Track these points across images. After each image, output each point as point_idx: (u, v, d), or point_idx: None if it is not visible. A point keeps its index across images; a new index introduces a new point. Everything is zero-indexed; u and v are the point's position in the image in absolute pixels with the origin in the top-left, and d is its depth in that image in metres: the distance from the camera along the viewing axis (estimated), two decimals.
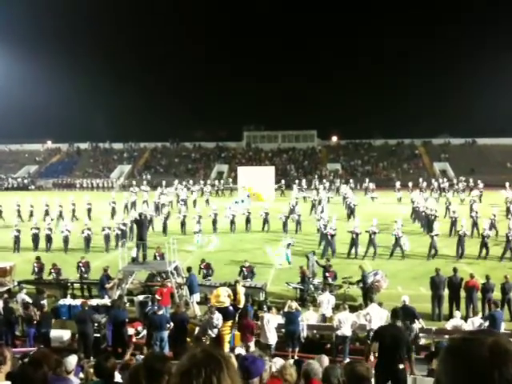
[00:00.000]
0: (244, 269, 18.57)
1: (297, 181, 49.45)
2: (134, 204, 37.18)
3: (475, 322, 13.45)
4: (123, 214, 33.68)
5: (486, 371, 1.32)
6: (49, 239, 25.97)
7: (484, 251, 22.89)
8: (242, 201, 38.81)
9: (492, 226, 25.78)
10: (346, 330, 12.93)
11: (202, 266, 18.96)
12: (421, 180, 46.65)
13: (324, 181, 52.35)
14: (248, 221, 30.52)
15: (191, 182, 53.70)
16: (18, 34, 77.35)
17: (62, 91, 78.26)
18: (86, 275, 19.27)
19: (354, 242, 23.64)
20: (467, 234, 23.64)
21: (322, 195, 38.72)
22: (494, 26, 77.85)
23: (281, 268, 21.83)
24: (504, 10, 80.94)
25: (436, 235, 23.34)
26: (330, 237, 23.65)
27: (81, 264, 19.36)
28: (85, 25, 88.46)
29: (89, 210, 34.85)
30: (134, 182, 53.35)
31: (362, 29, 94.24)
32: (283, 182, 51.21)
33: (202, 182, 52.17)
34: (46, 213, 34.14)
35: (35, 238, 26.06)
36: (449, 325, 13.83)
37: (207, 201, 39.52)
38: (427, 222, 28.48)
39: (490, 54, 77.97)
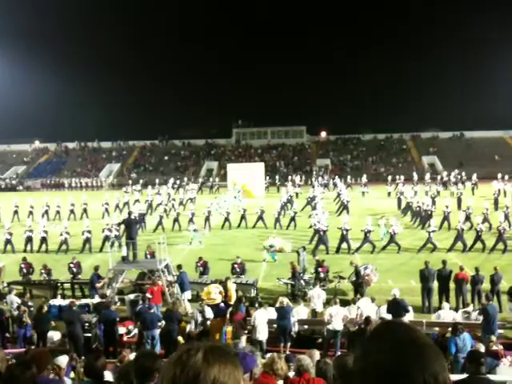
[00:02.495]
0: (236, 265, 18.56)
1: (290, 177, 49.62)
2: (126, 204, 36.88)
3: (471, 316, 13.58)
4: (115, 213, 33.48)
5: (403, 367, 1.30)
6: (43, 240, 25.72)
7: (480, 245, 22.99)
8: (235, 197, 38.81)
9: (485, 220, 25.97)
10: (337, 324, 12.99)
11: (199, 264, 18.89)
12: (414, 174, 47.04)
13: (315, 177, 52.63)
14: (243, 218, 30.50)
15: (185, 179, 53.69)
16: (5, 34, 76.57)
17: (50, 90, 77.61)
18: (78, 275, 19.11)
19: (344, 238, 23.70)
20: (464, 228, 23.80)
21: (316, 192, 38.78)
22: (481, 21, 78.27)
23: (266, 263, 21.97)
24: (489, 3, 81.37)
25: (433, 231, 23.48)
26: (322, 233, 23.71)
27: (72, 264, 19.21)
28: (72, 24, 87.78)
29: (85, 210, 34.55)
30: (130, 182, 53.00)
31: (350, 25, 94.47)
32: (277, 178, 51.39)
33: (186, 180, 52.32)
34: (30, 213, 33.74)
35: (28, 240, 25.81)
36: (437, 316, 13.95)
37: (193, 199, 39.16)
38: (424, 218, 28.60)
39: (478, 48, 78.42)
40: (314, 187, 42.55)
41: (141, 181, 54.16)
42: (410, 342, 1.34)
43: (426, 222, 26.93)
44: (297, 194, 41.89)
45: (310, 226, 26.15)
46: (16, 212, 34.85)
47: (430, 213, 28.19)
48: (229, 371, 1.45)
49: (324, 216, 26.27)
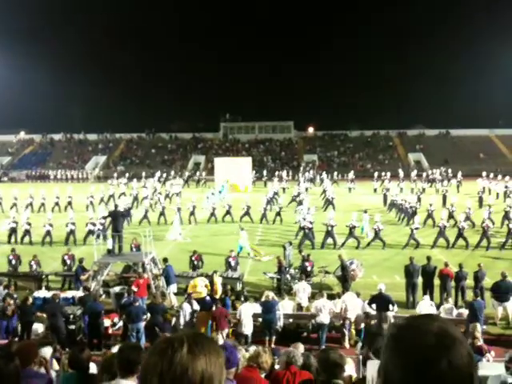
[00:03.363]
0: (230, 259, 18.47)
1: (277, 172, 49.71)
2: (111, 197, 36.74)
3: (453, 312, 13.74)
4: (100, 207, 33.23)
5: (434, 359, 1.29)
6: (26, 232, 25.45)
7: (463, 242, 23.19)
8: (220, 191, 38.76)
9: (467, 218, 26.26)
10: (324, 318, 13.06)
11: (194, 258, 18.82)
12: (400, 171, 47.33)
13: (301, 172, 52.78)
14: (228, 213, 30.46)
15: (172, 173, 53.53)
16: None
17: (36, 81, 76.81)
18: (72, 268, 18.85)
19: (329, 234, 23.76)
20: (447, 225, 23.97)
21: (301, 187, 38.86)
22: (470, 19, 78.85)
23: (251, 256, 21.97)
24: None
25: (416, 228, 23.62)
26: (307, 230, 23.76)
27: (66, 257, 18.98)
28: (60, 15, 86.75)
29: (69, 203, 34.24)
30: (115, 175, 52.69)
31: (338, 19, 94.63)
32: (265, 173, 51.43)
33: (173, 173, 52.30)
34: (14, 205, 33.56)
35: (11, 231, 25.58)
36: (419, 309, 14.13)
37: (179, 193, 39.16)
38: (408, 215, 28.74)
39: (466, 45, 78.98)
40: (299, 183, 42.71)
41: (127, 174, 53.89)
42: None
43: (411, 218, 27.14)
44: (284, 189, 41.98)
45: (296, 222, 26.20)
46: None
47: (414, 210, 28.38)
48: (214, 360, 1.45)
49: (310, 212, 26.29)
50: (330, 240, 23.76)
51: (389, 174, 44.98)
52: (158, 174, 50.18)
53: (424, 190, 37.22)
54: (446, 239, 23.31)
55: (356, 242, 23.63)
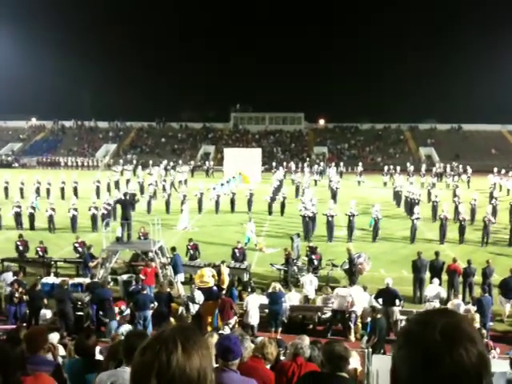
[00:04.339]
0: (236, 250, 18.51)
1: (284, 163, 49.70)
2: (117, 183, 37.22)
3: (461, 308, 13.66)
4: (106, 193, 33.48)
5: (438, 356, 1.26)
6: (32, 218, 25.68)
7: (471, 237, 23.40)
8: (228, 181, 38.74)
9: (472, 211, 26.13)
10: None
11: (190, 247, 18.86)
12: (408, 164, 47.10)
13: (307, 164, 52.67)
14: (232, 202, 30.47)
15: (180, 162, 53.68)
16: (5, 9, 75.65)
17: (48, 67, 77.02)
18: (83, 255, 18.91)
19: (329, 225, 23.82)
20: (448, 217, 23.88)
21: (305, 178, 38.84)
22: (482, 12, 77.90)
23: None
24: None
25: (417, 219, 23.58)
26: (307, 219, 23.78)
27: (77, 244, 19.04)
28: (73, 2, 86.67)
29: (75, 189, 34.52)
30: (121, 161, 53.13)
31: (350, 13, 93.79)
32: (274, 164, 51.40)
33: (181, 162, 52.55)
34: (21, 191, 34.18)
35: (17, 217, 25.79)
36: (427, 292, 14.14)
37: (185, 181, 39.45)
38: (409, 206, 28.76)
39: (479, 40, 78.08)
40: (304, 174, 42.82)
41: (134, 161, 54.49)
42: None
43: (412, 209, 27.12)
44: (292, 180, 41.96)
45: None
46: (6, 189, 34.92)
47: (416, 201, 28.31)
48: (205, 353, 1.48)
49: (313, 202, 26.27)
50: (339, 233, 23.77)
51: (398, 167, 44.81)
52: (164, 162, 50.49)
53: (434, 184, 36.96)
54: (443, 231, 23.31)
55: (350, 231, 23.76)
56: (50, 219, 25.19)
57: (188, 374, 1.42)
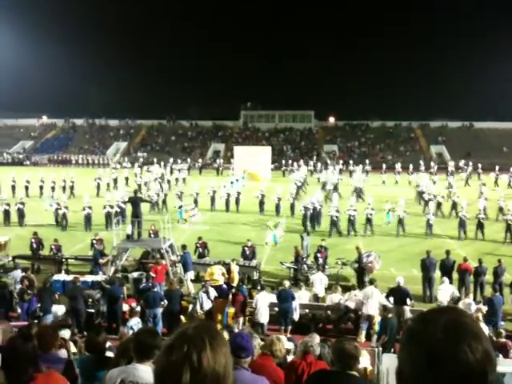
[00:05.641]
0: (246, 248, 18.49)
1: (297, 162, 49.49)
2: (115, 181, 38.36)
3: (472, 307, 13.55)
4: (106, 191, 34.28)
5: (440, 353, 1.25)
6: (60, 215, 25.82)
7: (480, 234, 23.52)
8: (237, 180, 38.82)
9: (501, 208, 26.59)
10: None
11: (199, 245, 18.88)
12: (421, 163, 47.03)
13: (313, 162, 52.66)
14: (237, 201, 30.43)
15: (179, 160, 53.89)
16: (15, 7, 76.20)
17: (59, 66, 77.44)
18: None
19: (350, 222, 24.17)
20: (467, 216, 23.90)
21: (330, 177, 38.44)
22: (494, 12, 77.22)
23: (268, 245, 21.95)
24: None
25: (432, 216, 23.98)
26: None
27: (94, 241, 18.98)
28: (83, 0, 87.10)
29: (98, 186, 35.57)
30: (127, 159, 53.87)
31: (362, 12, 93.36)
32: (284, 162, 51.38)
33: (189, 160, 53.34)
34: (41, 188, 34.89)
35: (21, 213, 26.17)
36: (440, 294, 14.02)
37: (183, 179, 39.77)
38: (424, 204, 28.97)
39: (491, 38, 77.42)
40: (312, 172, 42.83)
41: (141, 159, 55.55)
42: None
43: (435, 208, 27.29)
44: (318, 179, 42.07)
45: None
46: (13, 187, 35.35)
47: (431, 199, 28.35)
48: (227, 350, 1.54)
49: (311, 199, 26.46)
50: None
51: (411, 165, 44.77)
52: (171, 160, 51.25)
53: (450, 184, 36.62)
54: (463, 229, 23.67)
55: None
56: (63, 217, 25.35)
57: (217, 370, 1.47)
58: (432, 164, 47.28)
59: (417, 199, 33.02)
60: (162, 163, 47.84)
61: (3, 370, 3.61)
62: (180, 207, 27.12)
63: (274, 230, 22.78)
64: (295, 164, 48.81)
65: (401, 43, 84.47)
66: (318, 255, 17.85)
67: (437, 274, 16.22)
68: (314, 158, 57.26)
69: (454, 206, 27.71)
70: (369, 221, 24.44)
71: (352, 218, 24.09)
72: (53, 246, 18.86)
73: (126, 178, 39.89)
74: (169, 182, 38.07)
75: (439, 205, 28.25)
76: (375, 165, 49.33)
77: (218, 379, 1.47)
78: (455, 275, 16.06)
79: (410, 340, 1.34)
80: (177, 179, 39.54)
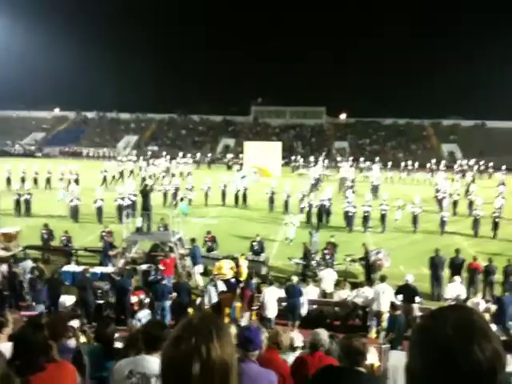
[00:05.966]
0: (254, 243, 18.53)
1: (321, 158, 49.37)
2: (121, 174, 38.82)
3: (481, 306, 13.46)
4: (113, 183, 34.83)
5: (450, 350, 1.25)
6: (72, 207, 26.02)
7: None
8: (244, 176, 38.70)
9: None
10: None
11: (207, 239, 18.95)
12: (433, 161, 46.94)
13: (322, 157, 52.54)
14: (244, 197, 30.44)
15: (180, 154, 54.06)
16: (30, 1, 76.60)
17: (72, 58, 77.80)
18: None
19: (365, 219, 24.61)
20: (481, 214, 23.94)
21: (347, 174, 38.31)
22: (509, 12, 76.35)
23: (288, 243, 21.87)
24: None
25: (446, 213, 24.31)
26: (351, 214, 24.50)
27: (104, 233, 19.12)
28: None
29: (104, 178, 36.03)
30: (135, 152, 54.40)
31: (375, 7, 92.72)
32: (293, 158, 51.37)
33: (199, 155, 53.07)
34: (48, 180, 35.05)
35: (27, 204, 26.76)
36: (448, 291, 13.93)
37: (188, 173, 39.57)
38: (438, 202, 29.04)
39: (505, 36, 76.56)
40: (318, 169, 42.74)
41: (149, 153, 55.83)
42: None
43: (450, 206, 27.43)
44: (327, 176, 42.09)
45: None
46: (23, 178, 35.52)
47: (446, 197, 28.28)
48: (232, 340, 1.57)
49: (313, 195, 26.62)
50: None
51: (428, 164, 44.87)
52: (180, 154, 51.41)
53: (470, 185, 36.35)
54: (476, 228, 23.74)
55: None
56: (76, 209, 25.54)
57: (225, 360, 1.49)
58: (444, 162, 47.12)
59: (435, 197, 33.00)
60: (168, 157, 47.90)
61: (15, 359, 3.65)
62: (181, 200, 27.20)
63: (295, 225, 22.58)
64: (311, 159, 48.69)
65: (413, 41, 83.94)
66: (325, 252, 17.86)
67: (446, 272, 16.15)
68: (323, 154, 57.02)
69: (471, 204, 27.61)
70: (383, 217, 24.67)
71: (367, 215, 24.45)
72: (63, 237, 19.01)
73: (131, 172, 40.25)
74: (173, 175, 38.04)
75: (455, 203, 28.40)
76: (385, 163, 49.18)
77: (226, 369, 1.49)
78: (465, 274, 15.97)
79: (419, 337, 1.35)
80: (181, 173, 39.56)
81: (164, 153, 51.01)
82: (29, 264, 15.28)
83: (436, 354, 1.27)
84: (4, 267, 15.05)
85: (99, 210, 25.27)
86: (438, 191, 31.04)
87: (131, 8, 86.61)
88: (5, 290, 14.11)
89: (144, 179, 36.38)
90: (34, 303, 13.37)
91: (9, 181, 33.94)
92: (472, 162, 49.31)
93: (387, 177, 42.95)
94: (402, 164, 45.98)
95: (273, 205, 29.25)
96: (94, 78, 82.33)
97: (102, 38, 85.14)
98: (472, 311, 1.37)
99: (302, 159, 51.38)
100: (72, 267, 16.38)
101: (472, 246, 21.90)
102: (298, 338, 7.48)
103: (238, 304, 13.31)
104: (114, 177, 37.45)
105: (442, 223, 24.19)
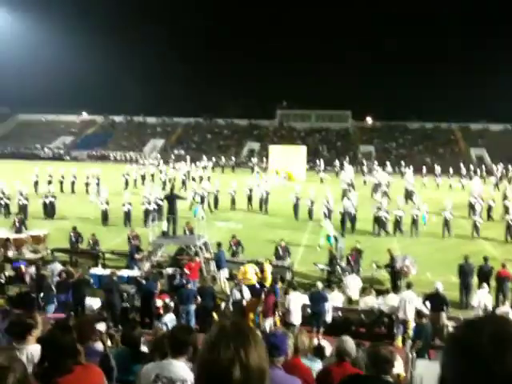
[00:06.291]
0: (280, 248, 18.47)
1: (346, 163, 48.97)
2: (143, 178, 39.56)
3: (510, 314, 13.14)
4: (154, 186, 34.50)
5: (487, 362, 1.22)
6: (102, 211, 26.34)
7: None
8: (266, 181, 38.56)
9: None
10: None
11: (232, 243, 18.98)
12: (461, 165, 46.35)
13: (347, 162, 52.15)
14: (265, 201, 30.19)
15: (223, 158, 54.31)
16: (58, 5, 78.06)
17: (101, 63, 78.90)
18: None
19: (396, 224, 24.69)
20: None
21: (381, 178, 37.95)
22: None
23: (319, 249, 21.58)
24: None
25: (479, 218, 24.26)
26: (384, 219, 24.59)
27: (131, 236, 19.36)
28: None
29: (126, 182, 36.71)
30: (159, 156, 55.02)
31: (401, 9, 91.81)
32: (317, 162, 51.02)
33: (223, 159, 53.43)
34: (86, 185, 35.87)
35: (52, 207, 27.22)
36: (475, 300, 13.69)
37: (208, 178, 39.51)
38: (470, 207, 28.61)
39: None
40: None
41: (173, 156, 56.46)
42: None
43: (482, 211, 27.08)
44: (364, 181, 41.92)
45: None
46: (49, 182, 36.12)
47: (477, 203, 27.78)
48: (264, 346, 1.59)
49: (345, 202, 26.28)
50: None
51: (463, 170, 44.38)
52: (205, 158, 52.00)
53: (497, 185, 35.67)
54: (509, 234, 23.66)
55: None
56: (106, 213, 25.88)
57: (261, 365, 1.52)
58: (474, 167, 46.49)
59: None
60: (189, 160, 48.19)
61: (43, 361, 3.70)
62: (198, 202, 27.41)
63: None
64: (345, 163, 48.19)
65: (440, 44, 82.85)
66: (350, 258, 17.72)
67: (475, 280, 15.83)
68: (347, 158, 56.51)
69: (507, 210, 27.02)
70: (414, 222, 24.53)
71: (399, 220, 24.53)
72: (90, 240, 19.28)
73: (152, 175, 40.78)
74: (194, 179, 37.97)
75: (490, 208, 28.12)
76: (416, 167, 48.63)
77: (262, 374, 1.52)
78: (493, 282, 15.62)
79: (453, 347, 1.32)
80: (201, 177, 39.31)
81: (188, 157, 51.14)
82: (57, 266, 15.53)
83: (471, 366, 1.25)
84: (32, 269, 15.33)
85: (127, 214, 25.54)
86: (472, 196, 30.61)
87: (160, 14, 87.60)
88: (33, 292, 14.33)
89: (164, 183, 36.89)
90: (42, 303, 13.60)
91: (36, 184, 34.50)
92: (500, 166, 48.31)
93: (422, 182, 42.35)
94: (438, 170, 45.18)
95: (297, 212, 28.56)
96: (122, 82, 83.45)
97: (129, 42, 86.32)
98: (507, 321, 1.35)
99: (337, 163, 50.81)
100: (99, 270, 16.59)
101: (503, 252, 21.40)
102: (327, 346, 7.43)
103: (261, 309, 13.28)
104: (135, 180, 38.04)
105: (475, 228, 24.07)
